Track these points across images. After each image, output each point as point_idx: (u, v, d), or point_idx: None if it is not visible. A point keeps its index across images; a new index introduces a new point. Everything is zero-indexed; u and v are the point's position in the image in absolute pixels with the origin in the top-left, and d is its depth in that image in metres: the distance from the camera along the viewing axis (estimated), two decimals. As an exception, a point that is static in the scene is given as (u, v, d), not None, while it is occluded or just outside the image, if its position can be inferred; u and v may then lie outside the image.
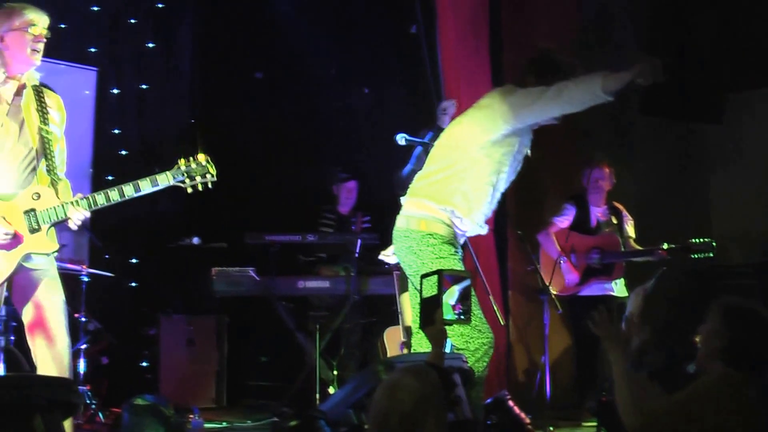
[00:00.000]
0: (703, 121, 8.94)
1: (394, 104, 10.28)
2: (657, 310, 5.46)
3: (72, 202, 5.29)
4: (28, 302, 5.29)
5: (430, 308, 4.49)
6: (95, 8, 10.26)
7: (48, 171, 5.40)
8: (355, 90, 10.76)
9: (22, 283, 5.29)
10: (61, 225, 5.37)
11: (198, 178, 5.47)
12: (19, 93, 5.40)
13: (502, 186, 5.72)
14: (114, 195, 5.38)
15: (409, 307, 6.96)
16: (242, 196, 10.31)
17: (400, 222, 5.66)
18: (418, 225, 5.54)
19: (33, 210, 5.24)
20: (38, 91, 5.48)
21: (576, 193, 8.59)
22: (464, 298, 4.52)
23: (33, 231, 5.23)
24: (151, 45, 10.81)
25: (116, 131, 10.47)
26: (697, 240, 7.88)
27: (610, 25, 9.53)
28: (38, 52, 5.37)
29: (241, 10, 10.96)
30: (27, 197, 5.26)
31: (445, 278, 4.49)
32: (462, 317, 4.52)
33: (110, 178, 10.12)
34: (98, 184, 9.94)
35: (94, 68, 10.21)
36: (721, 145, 9.30)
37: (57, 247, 5.35)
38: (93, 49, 10.22)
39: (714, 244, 7.88)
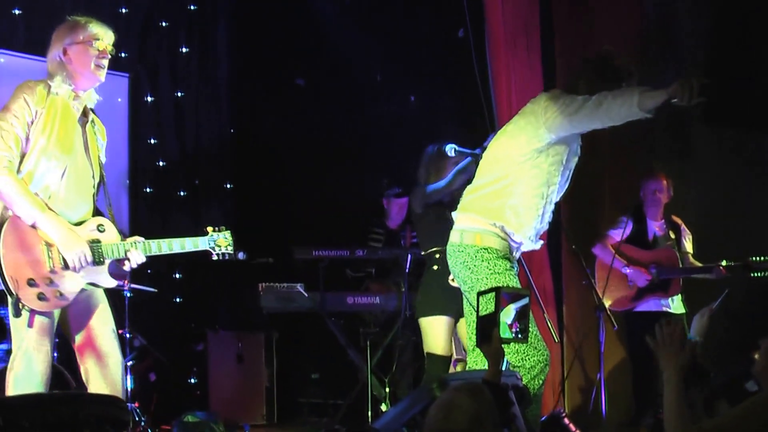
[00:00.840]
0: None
1: (441, 112, 10.34)
2: (718, 327, 5.61)
3: (132, 243, 5.63)
4: (81, 324, 5.59)
5: (487, 326, 4.65)
6: (124, 10, 10.39)
7: (107, 202, 5.75)
8: (401, 97, 10.92)
9: (76, 306, 5.56)
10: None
11: (223, 249, 5.91)
12: (85, 114, 5.69)
13: (555, 198, 5.89)
14: (164, 247, 5.74)
15: (431, 331, 7.29)
16: (286, 208, 10.58)
17: (454, 237, 5.87)
18: (472, 239, 5.75)
19: (98, 242, 5.54)
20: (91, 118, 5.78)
21: (636, 205, 8.70)
22: (521, 316, 4.71)
23: (96, 263, 5.51)
24: (185, 50, 11.00)
25: (153, 141, 10.69)
26: (757, 258, 8.03)
27: (673, 31, 9.63)
28: (102, 68, 5.61)
29: (280, 12, 11.12)
30: (93, 227, 5.56)
31: (503, 295, 4.68)
32: (519, 336, 4.72)
33: (149, 190, 10.53)
34: (136, 196, 10.33)
35: (126, 74, 10.43)
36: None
37: (116, 283, 5.72)
38: (124, 55, 10.26)
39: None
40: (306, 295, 8.98)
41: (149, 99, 10.70)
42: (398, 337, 8.87)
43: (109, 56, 5.66)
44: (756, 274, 8.08)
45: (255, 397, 10.00)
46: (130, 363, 8.41)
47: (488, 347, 4.65)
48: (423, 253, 7.46)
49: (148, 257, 5.74)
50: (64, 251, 5.38)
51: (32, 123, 5.41)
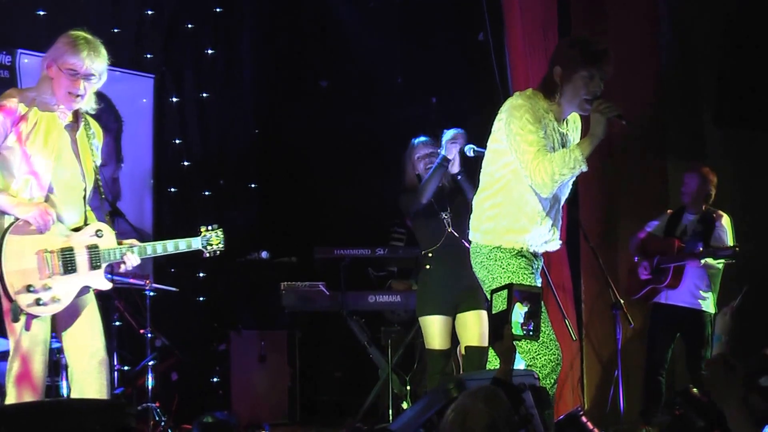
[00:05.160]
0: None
1: (462, 114, 10.08)
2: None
3: (128, 247, 5.72)
4: (68, 323, 5.68)
5: (498, 324, 4.64)
6: (150, 12, 10.40)
7: (101, 204, 5.88)
8: (422, 99, 10.87)
9: (68, 310, 5.66)
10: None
11: (214, 247, 6.02)
12: (73, 122, 5.73)
13: (562, 194, 5.86)
14: (159, 248, 5.85)
15: (429, 329, 7.35)
16: (309, 208, 10.56)
17: (473, 237, 5.86)
18: (486, 240, 5.74)
19: (96, 247, 5.64)
20: (86, 122, 5.81)
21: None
22: (533, 314, 4.70)
23: (94, 267, 5.62)
24: (210, 51, 10.97)
25: (177, 141, 10.65)
26: (721, 245, 8.06)
27: (687, 33, 9.67)
28: (77, 95, 5.60)
29: (304, 15, 11.19)
30: (92, 233, 5.65)
31: (515, 293, 4.66)
32: (531, 333, 4.70)
33: (173, 190, 10.51)
34: (160, 196, 10.33)
35: (151, 75, 10.42)
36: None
37: (111, 285, 5.82)
38: (149, 56, 10.39)
39: (737, 248, 7.98)
40: (327, 293, 8.97)
41: (174, 100, 10.67)
42: (419, 335, 8.85)
43: (83, 90, 5.62)
44: (719, 262, 8.13)
45: (277, 396, 10.02)
46: (151, 363, 8.45)
47: (500, 345, 4.63)
48: (422, 252, 7.45)
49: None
50: (26, 218, 5.44)
51: (8, 134, 5.50)
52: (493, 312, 4.75)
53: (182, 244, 5.90)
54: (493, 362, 5.84)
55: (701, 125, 9.41)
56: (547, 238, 5.80)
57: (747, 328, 7.40)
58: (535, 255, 5.84)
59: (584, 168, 5.48)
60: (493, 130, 5.83)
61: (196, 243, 5.94)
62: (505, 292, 4.66)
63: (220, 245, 6.00)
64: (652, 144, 9.30)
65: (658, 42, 9.60)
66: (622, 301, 7.72)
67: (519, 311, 4.65)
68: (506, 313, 4.61)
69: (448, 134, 7.18)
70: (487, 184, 5.83)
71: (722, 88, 9.20)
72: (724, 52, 9.21)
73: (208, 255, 6.02)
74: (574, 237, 8.66)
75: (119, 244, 5.72)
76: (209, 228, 5.99)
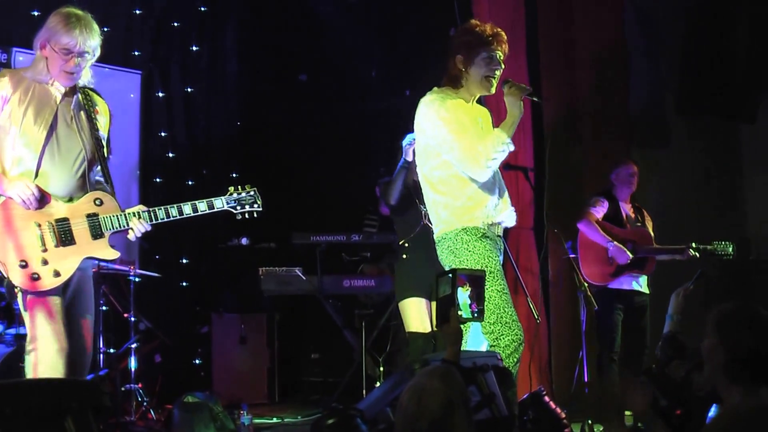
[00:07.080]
0: (737, 120, 9.11)
1: None
2: (695, 304, 5.54)
3: (134, 213, 5.40)
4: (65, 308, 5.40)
5: (445, 307, 4.58)
6: (138, 11, 10.39)
7: (104, 179, 5.51)
8: (396, 92, 10.77)
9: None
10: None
11: (247, 207, 5.71)
12: (68, 95, 5.48)
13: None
14: (173, 212, 5.48)
15: (408, 312, 7.30)
16: (288, 197, 10.55)
17: (437, 231, 5.79)
18: (451, 225, 5.66)
19: (95, 215, 5.33)
20: (87, 95, 5.58)
21: (606, 188, 8.55)
22: (479, 297, 4.65)
23: (96, 237, 5.33)
24: (195, 48, 10.99)
25: (163, 134, 10.63)
26: (718, 243, 7.98)
27: (649, 22, 9.69)
28: (72, 72, 5.41)
29: (284, 12, 11.18)
30: (89, 202, 5.36)
31: (460, 277, 4.60)
32: (476, 315, 4.66)
33: (158, 180, 10.47)
34: (146, 185, 10.30)
35: (138, 71, 10.37)
36: (755, 144, 9.36)
37: (118, 254, 5.46)
38: (137, 53, 10.37)
39: (732, 248, 7.96)
40: (304, 278, 8.97)
41: (160, 94, 10.67)
42: (392, 318, 8.85)
43: (78, 66, 5.42)
44: (720, 253, 8.03)
45: (257, 376, 10.06)
46: (134, 345, 8.36)
47: (447, 328, 4.55)
48: (399, 243, 7.42)
49: (157, 225, 5.46)
50: (9, 195, 5.20)
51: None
52: (439, 296, 4.69)
53: (202, 205, 5.51)
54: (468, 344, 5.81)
55: (665, 114, 9.38)
56: (497, 203, 5.73)
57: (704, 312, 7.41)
58: (498, 235, 5.78)
59: (512, 148, 5.58)
60: (416, 131, 5.83)
61: (219, 203, 5.59)
62: (450, 276, 4.60)
63: (256, 206, 5.71)
64: (617, 132, 9.26)
65: (623, 32, 9.54)
66: (585, 285, 7.66)
67: (463, 294, 4.61)
68: (452, 297, 4.55)
69: (407, 139, 7.12)
70: (429, 184, 5.81)
71: (685, 77, 9.20)
72: (687, 40, 9.20)
73: (240, 217, 5.72)
74: (541, 222, 8.59)
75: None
76: (238, 188, 5.67)
